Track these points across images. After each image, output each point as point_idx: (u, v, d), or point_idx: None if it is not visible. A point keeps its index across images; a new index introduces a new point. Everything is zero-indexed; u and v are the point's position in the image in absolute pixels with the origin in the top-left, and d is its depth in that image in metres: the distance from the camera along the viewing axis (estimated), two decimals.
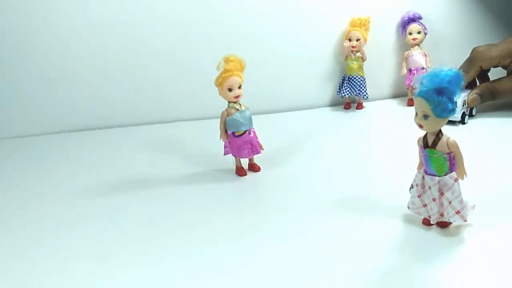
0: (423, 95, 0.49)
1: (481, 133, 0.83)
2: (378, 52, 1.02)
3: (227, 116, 0.69)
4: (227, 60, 0.67)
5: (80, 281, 0.50)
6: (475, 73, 0.89)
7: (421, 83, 0.49)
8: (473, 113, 0.89)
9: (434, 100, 0.48)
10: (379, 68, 1.03)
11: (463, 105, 0.86)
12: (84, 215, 0.64)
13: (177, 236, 0.57)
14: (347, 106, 1.01)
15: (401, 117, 0.94)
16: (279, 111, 1.00)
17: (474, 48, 0.91)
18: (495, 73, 0.91)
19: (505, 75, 0.88)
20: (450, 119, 0.80)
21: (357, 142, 0.85)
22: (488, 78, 0.91)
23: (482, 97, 0.87)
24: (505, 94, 0.87)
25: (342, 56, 1.00)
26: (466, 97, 0.87)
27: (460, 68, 0.89)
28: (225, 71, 0.67)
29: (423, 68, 0.98)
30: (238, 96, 0.69)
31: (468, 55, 0.90)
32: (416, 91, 0.49)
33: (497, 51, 0.87)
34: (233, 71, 0.67)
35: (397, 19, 1.01)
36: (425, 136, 0.52)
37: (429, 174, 0.53)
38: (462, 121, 0.86)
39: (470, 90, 0.88)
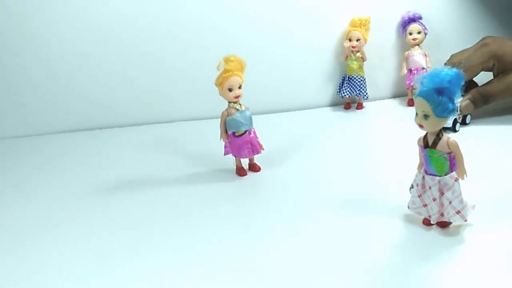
0: (424, 95, 0.49)
1: (475, 140, 0.80)
2: (378, 52, 1.02)
3: (227, 116, 0.69)
4: (227, 60, 0.67)
5: (80, 280, 0.50)
6: None
7: (422, 83, 0.49)
8: (467, 121, 0.86)
9: (435, 100, 0.48)
10: (379, 68, 1.03)
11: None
12: (84, 215, 0.64)
13: (177, 236, 0.57)
14: (347, 106, 1.01)
15: (401, 117, 0.94)
16: (279, 111, 1.00)
17: (450, 59, 0.88)
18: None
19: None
20: None
21: (357, 142, 0.84)
22: (476, 83, 0.89)
23: (475, 102, 0.85)
24: (497, 96, 0.85)
25: (342, 56, 1.00)
26: (457, 104, 0.85)
27: None
28: (225, 71, 0.67)
29: (423, 68, 0.98)
30: (238, 96, 0.69)
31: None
32: (417, 91, 0.49)
33: (476, 59, 0.85)
34: (233, 71, 0.67)
35: (397, 19, 1.01)
36: (425, 136, 0.52)
37: (430, 174, 0.53)
38: (454, 129, 0.84)
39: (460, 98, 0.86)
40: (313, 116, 0.98)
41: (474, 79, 0.89)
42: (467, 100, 0.85)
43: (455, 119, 0.84)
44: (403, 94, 1.05)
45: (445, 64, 0.87)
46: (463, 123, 0.86)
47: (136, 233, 0.59)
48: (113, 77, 0.96)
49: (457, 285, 0.46)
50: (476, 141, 0.78)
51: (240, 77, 0.68)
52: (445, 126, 0.80)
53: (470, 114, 0.86)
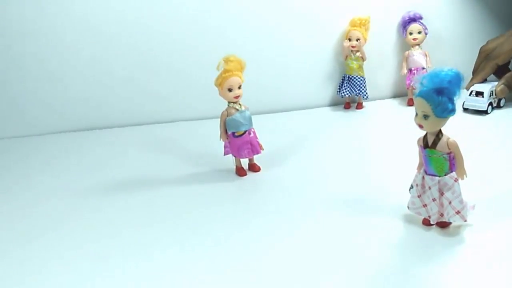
0: (423, 95, 0.49)
1: (503, 125, 0.86)
2: (378, 52, 1.02)
3: (227, 116, 0.69)
4: (227, 61, 0.67)
5: (80, 280, 0.50)
6: (492, 70, 0.92)
7: (421, 83, 0.49)
8: (501, 104, 0.92)
9: (434, 100, 0.48)
10: (379, 68, 1.03)
11: (490, 96, 0.89)
12: (84, 215, 0.64)
13: (177, 235, 0.57)
14: (347, 106, 1.01)
15: (401, 117, 0.94)
16: (279, 111, 1.00)
17: (486, 45, 0.93)
18: None
19: None
20: (476, 108, 0.88)
21: (357, 142, 0.84)
22: (508, 68, 0.93)
23: (510, 86, 0.90)
24: None
25: (342, 56, 1.00)
26: (493, 88, 0.90)
27: (476, 67, 0.94)
28: (225, 71, 0.67)
29: (423, 68, 0.98)
30: (238, 96, 0.69)
31: (470, 55, 0.92)
32: (416, 91, 0.49)
33: (508, 46, 0.90)
34: (233, 71, 0.67)
35: (397, 19, 1.01)
36: (425, 136, 0.52)
37: (429, 174, 0.53)
38: (486, 111, 0.89)
39: (496, 81, 0.91)
40: (313, 116, 0.98)
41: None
42: (502, 85, 0.90)
43: (490, 102, 0.90)
44: (403, 94, 1.05)
45: (481, 48, 0.95)
46: (498, 106, 0.92)
47: (136, 233, 0.59)
48: (113, 77, 0.96)
49: (457, 285, 0.46)
50: (494, 133, 0.81)
51: (240, 77, 0.68)
52: (479, 109, 0.88)
53: (504, 97, 0.92)
